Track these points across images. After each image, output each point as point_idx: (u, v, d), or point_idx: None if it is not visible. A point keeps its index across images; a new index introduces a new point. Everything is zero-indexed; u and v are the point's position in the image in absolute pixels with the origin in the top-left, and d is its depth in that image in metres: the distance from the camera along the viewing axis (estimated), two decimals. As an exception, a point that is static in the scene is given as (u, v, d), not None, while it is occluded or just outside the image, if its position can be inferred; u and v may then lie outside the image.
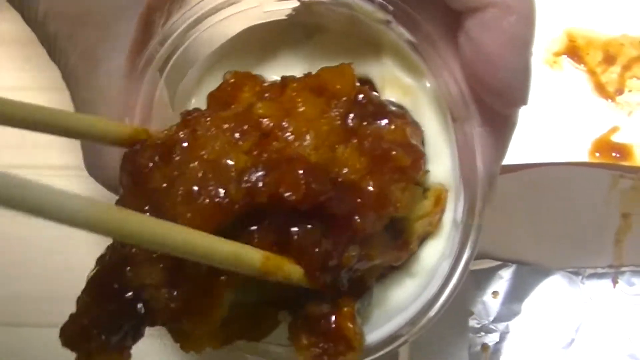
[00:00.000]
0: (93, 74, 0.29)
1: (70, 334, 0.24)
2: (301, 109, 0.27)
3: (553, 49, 0.55)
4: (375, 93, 0.31)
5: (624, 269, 0.61)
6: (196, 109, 0.28)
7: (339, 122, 0.27)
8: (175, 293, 0.24)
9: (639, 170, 0.52)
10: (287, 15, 0.31)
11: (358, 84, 0.29)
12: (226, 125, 0.26)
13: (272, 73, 0.32)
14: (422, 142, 0.31)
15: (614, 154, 0.51)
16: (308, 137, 0.26)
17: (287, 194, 0.24)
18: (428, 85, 0.30)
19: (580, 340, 0.60)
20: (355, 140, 0.27)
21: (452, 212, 0.31)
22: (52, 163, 0.50)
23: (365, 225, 0.26)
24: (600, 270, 0.61)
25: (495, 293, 0.60)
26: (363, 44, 0.31)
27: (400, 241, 0.29)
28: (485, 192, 0.30)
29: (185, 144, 0.26)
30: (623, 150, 0.52)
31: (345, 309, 0.27)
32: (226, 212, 0.24)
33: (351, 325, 0.27)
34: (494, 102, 0.29)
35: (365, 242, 0.27)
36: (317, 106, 0.27)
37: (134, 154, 0.26)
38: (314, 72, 0.29)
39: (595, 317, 0.60)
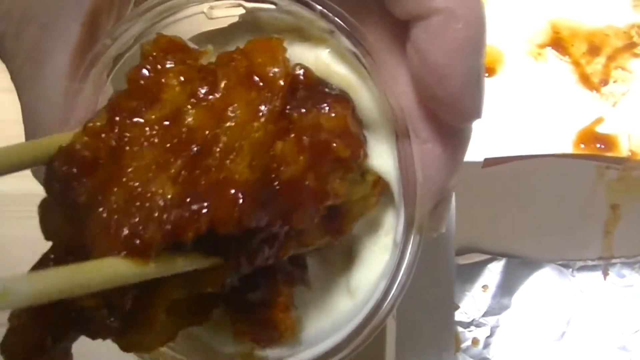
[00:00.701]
0: (36, 75, 0.28)
1: (14, 351, 0.24)
2: (235, 113, 0.25)
3: (537, 40, 0.55)
4: None
5: (614, 260, 0.61)
6: (120, 96, 0.25)
7: (275, 117, 0.26)
8: (115, 313, 0.24)
9: (624, 160, 0.52)
10: (233, 22, 0.30)
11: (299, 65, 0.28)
12: (154, 138, 0.24)
13: None
14: (362, 126, 0.29)
15: (598, 145, 0.51)
16: (243, 149, 0.25)
17: (217, 229, 0.23)
18: (371, 86, 0.29)
19: (571, 333, 0.59)
20: (293, 135, 0.26)
21: (394, 232, 0.30)
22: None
23: (303, 221, 0.26)
24: (590, 263, 0.61)
25: (485, 287, 0.60)
26: (307, 52, 0.30)
27: (336, 224, 0.29)
28: (424, 212, 0.29)
29: (109, 156, 0.24)
30: (607, 141, 0.51)
31: (280, 300, 0.27)
32: (144, 254, 0.23)
33: (283, 316, 0.27)
34: (446, 115, 0.28)
35: (301, 231, 0.26)
36: (251, 105, 0.25)
37: (53, 162, 0.24)
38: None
39: (586, 309, 0.60)
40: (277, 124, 0.25)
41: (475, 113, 0.28)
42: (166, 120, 0.25)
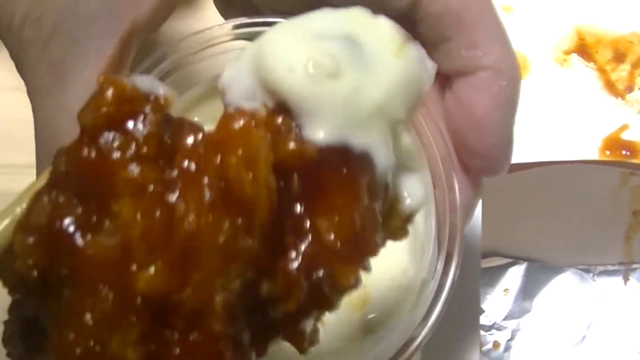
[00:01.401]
0: (59, 88, 0.26)
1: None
2: (202, 263, 0.20)
3: (562, 47, 0.55)
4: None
5: (635, 265, 0.61)
6: (61, 189, 0.20)
7: (256, 257, 0.20)
8: None
9: (649, 167, 0.52)
10: None
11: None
12: (104, 289, 0.20)
13: None
14: (381, 192, 0.24)
15: (624, 152, 0.51)
16: (215, 307, 0.19)
17: None
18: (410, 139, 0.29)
19: (591, 337, 0.60)
20: (282, 272, 0.21)
21: (423, 270, 0.30)
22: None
23: (301, 338, 0.22)
24: (611, 268, 0.61)
25: (506, 290, 0.61)
26: None
27: None
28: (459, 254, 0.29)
29: (56, 281, 0.20)
30: (633, 148, 0.52)
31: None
32: None
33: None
34: (478, 166, 0.29)
35: None
36: (224, 248, 0.20)
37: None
38: None
39: (606, 314, 0.60)
40: (259, 262, 0.20)
41: (505, 167, 0.29)
42: (116, 263, 0.20)
